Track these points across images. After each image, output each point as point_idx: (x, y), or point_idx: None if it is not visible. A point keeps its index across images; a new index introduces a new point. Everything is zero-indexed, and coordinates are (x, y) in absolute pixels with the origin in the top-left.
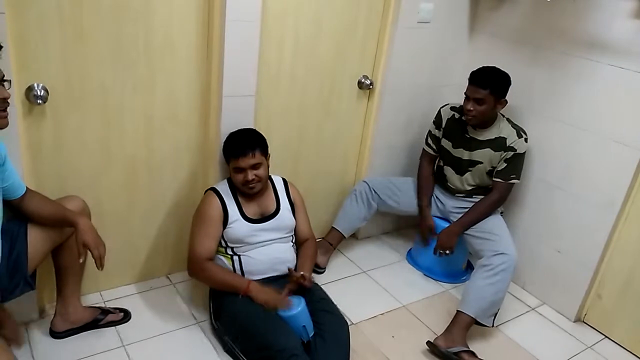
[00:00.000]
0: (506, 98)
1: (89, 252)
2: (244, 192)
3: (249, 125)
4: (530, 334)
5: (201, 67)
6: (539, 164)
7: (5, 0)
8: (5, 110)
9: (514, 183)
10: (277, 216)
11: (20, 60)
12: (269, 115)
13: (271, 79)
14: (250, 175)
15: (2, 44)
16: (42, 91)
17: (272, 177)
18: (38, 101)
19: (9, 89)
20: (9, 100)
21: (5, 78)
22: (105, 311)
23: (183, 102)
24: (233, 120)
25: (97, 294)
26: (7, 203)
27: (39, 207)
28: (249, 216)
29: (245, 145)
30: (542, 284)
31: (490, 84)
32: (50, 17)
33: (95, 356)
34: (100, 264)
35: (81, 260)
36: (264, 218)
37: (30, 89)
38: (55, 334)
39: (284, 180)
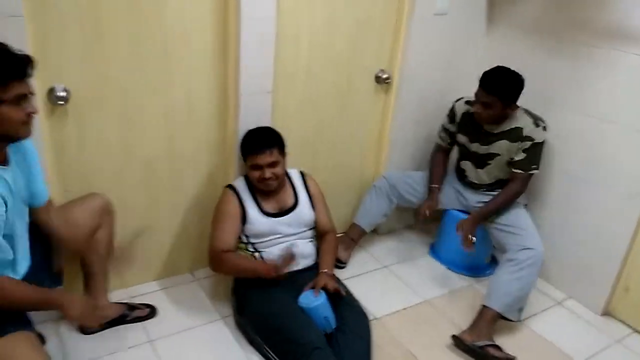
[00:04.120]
0: (517, 103)
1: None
2: (261, 189)
3: (267, 122)
4: (556, 328)
5: (218, 66)
6: (562, 155)
7: (24, 3)
8: (31, 121)
9: (533, 173)
10: (295, 209)
11: (41, 61)
12: (286, 111)
13: (288, 76)
14: (268, 173)
15: (34, 60)
16: (64, 92)
17: (289, 170)
18: (59, 102)
19: (35, 102)
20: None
21: (32, 92)
22: (132, 307)
23: (201, 100)
24: (251, 117)
25: (123, 290)
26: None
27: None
28: (267, 211)
29: (262, 143)
30: (568, 278)
31: (498, 91)
32: (69, 19)
33: (123, 351)
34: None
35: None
36: (283, 212)
37: (51, 90)
38: (84, 330)
39: (301, 172)
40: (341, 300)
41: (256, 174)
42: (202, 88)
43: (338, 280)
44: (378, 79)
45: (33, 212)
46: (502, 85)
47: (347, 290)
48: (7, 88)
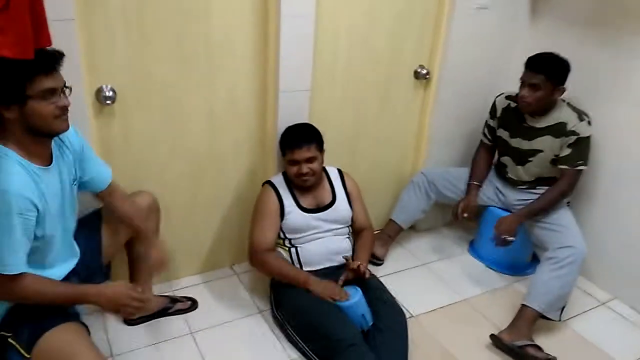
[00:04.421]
0: (565, 85)
1: None
2: (298, 184)
3: (305, 119)
4: (600, 329)
5: (258, 64)
6: (608, 150)
7: (74, 7)
8: (66, 114)
9: (581, 169)
10: (333, 206)
11: (89, 63)
12: (325, 108)
13: (326, 73)
14: (305, 168)
15: (64, 53)
16: (111, 92)
17: (327, 168)
18: (107, 102)
19: (69, 95)
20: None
21: (66, 85)
22: (174, 300)
23: (242, 98)
24: (289, 114)
25: (166, 284)
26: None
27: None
28: (304, 207)
29: (301, 139)
30: (613, 277)
31: (546, 69)
32: (116, 21)
33: (165, 342)
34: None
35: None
36: (320, 208)
37: (100, 90)
38: (128, 321)
39: (339, 170)
40: (376, 296)
41: (294, 169)
42: (243, 86)
43: (373, 276)
44: (417, 75)
45: (97, 196)
46: (549, 64)
47: (384, 288)
48: (33, 83)
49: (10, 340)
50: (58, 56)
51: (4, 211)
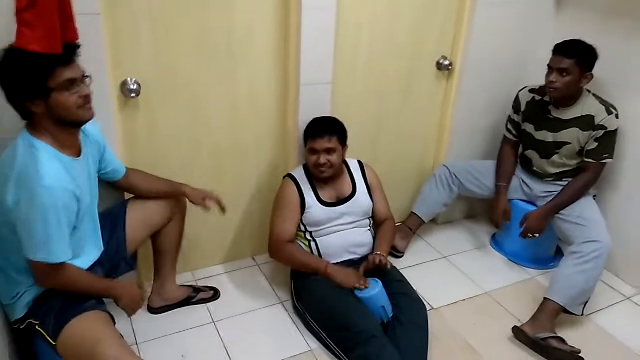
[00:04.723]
0: (592, 73)
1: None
2: (315, 175)
3: (327, 113)
4: (624, 324)
5: (280, 58)
6: (634, 142)
7: (100, 2)
8: (89, 103)
9: (606, 163)
10: (353, 199)
11: (114, 57)
12: (347, 101)
13: (348, 65)
14: (323, 158)
15: (80, 44)
16: (136, 85)
17: (347, 160)
18: (132, 95)
19: (90, 84)
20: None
21: (85, 75)
22: (197, 290)
23: (263, 92)
24: (311, 108)
25: (189, 274)
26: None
27: (142, 184)
28: (325, 200)
29: (323, 129)
30: (638, 272)
31: (576, 54)
32: (141, 16)
33: (188, 331)
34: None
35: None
36: (340, 201)
37: (124, 83)
38: (153, 310)
39: (359, 162)
40: (397, 289)
41: (313, 158)
42: (264, 80)
43: (394, 268)
44: (439, 66)
45: (117, 184)
46: (580, 49)
47: (404, 280)
48: (54, 75)
49: (37, 328)
50: (75, 47)
51: (51, 205)
